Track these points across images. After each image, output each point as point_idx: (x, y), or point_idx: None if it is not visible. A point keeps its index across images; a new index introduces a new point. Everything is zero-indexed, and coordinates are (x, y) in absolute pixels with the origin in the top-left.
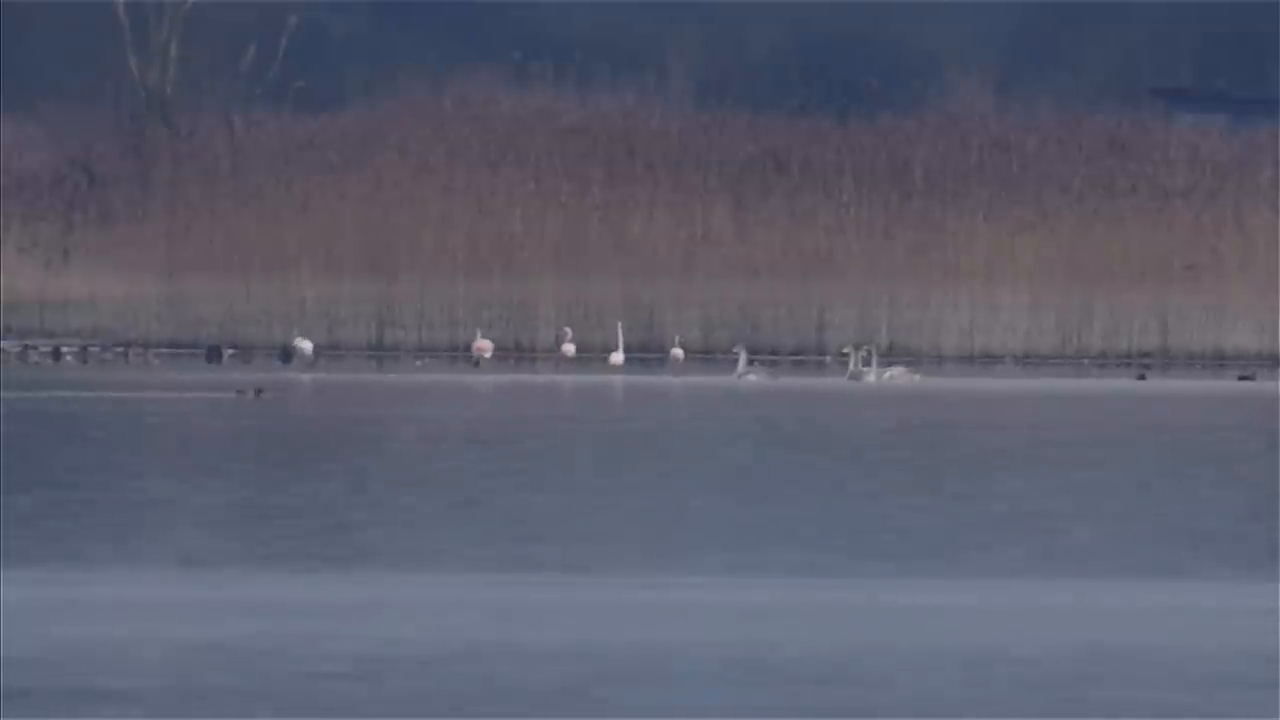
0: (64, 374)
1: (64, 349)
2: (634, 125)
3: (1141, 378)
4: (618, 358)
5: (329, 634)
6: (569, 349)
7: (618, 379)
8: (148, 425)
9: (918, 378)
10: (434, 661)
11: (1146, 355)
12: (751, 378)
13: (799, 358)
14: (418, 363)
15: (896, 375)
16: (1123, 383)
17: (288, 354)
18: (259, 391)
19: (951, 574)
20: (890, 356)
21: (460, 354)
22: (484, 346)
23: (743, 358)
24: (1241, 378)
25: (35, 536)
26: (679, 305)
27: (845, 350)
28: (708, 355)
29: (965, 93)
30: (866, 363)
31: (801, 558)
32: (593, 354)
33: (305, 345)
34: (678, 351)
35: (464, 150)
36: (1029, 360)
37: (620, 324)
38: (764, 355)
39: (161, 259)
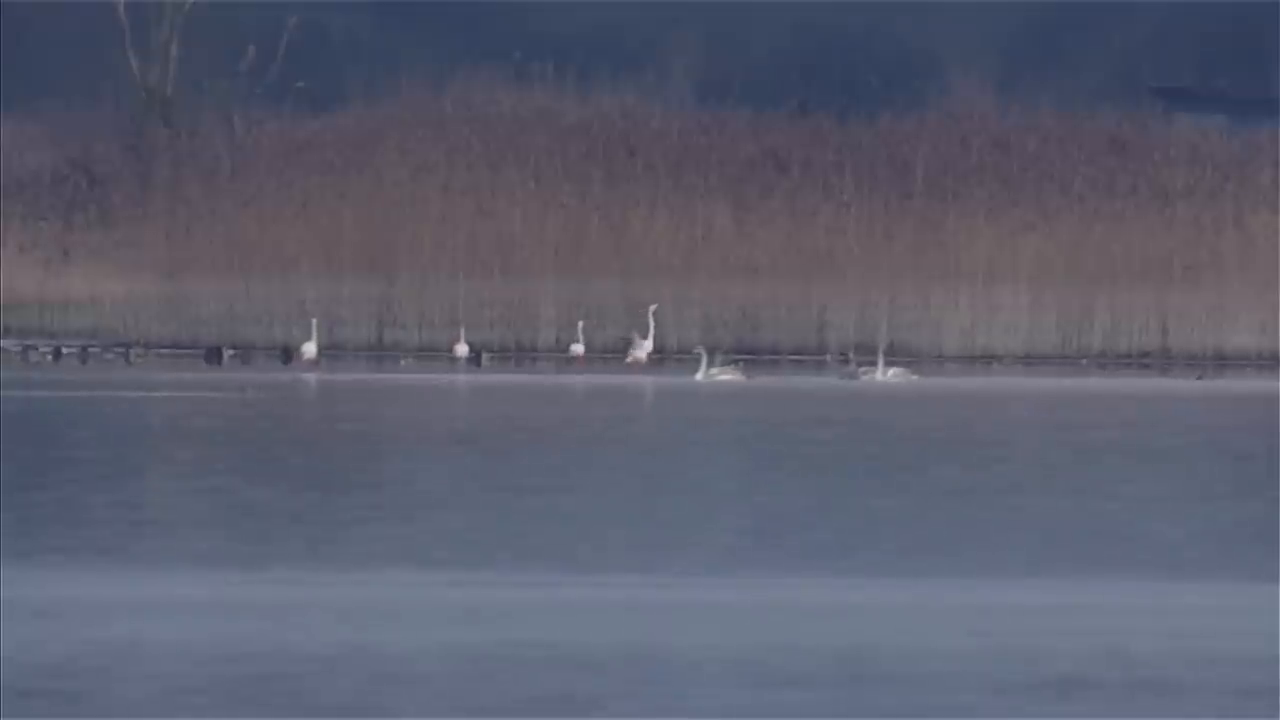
0: (64, 374)
1: (64, 349)
2: (634, 125)
3: (1199, 378)
4: (641, 351)
5: (328, 634)
6: (578, 350)
7: (611, 380)
8: (148, 425)
9: (914, 378)
10: (433, 662)
11: (1146, 355)
12: (725, 377)
13: (799, 357)
14: (402, 362)
15: (892, 375)
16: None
17: (288, 354)
18: (243, 390)
19: (949, 573)
20: (891, 356)
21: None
22: (459, 347)
23: (704, 359)
24: None
25: (34, 536)
26: (679, 305)
27: (845, 352)
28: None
29: (965, 93)
30: (862, 362)
31: (795, 556)
32: (594, 354)
33: (306, 345)
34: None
35: (464, 150)
36: (1029, 360)
37: (651, 308)
38: (764, 355)
39: (161, 259)
